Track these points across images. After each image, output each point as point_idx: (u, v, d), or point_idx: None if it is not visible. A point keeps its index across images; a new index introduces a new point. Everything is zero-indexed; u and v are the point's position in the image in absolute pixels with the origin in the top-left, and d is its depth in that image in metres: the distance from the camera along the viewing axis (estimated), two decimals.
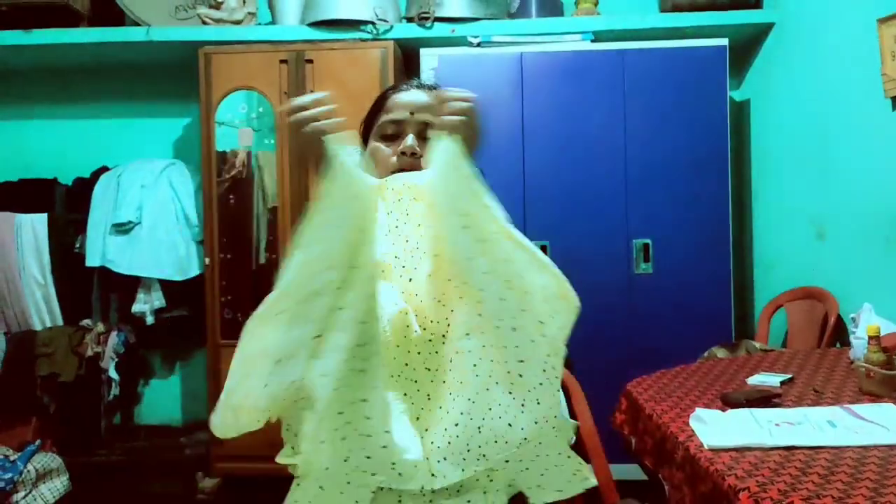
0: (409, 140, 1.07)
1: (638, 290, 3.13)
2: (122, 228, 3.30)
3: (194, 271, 3.37)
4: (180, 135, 3.77)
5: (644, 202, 3.14)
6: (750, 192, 3.49)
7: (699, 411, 1.61)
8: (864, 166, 2.62)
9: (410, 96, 1.12)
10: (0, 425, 3.33)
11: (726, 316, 3.14)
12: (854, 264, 2.71)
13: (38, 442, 3.25)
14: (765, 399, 1.71)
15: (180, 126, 3.77)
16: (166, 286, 3.38)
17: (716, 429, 1.48)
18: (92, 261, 3.33)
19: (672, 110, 3.15)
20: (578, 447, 1.21)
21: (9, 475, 3.05)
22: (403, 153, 1.06)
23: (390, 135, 1.10)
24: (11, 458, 3.13)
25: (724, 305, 3.14)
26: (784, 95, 3.18)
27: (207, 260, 3.22)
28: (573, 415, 1.65)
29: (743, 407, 1.66)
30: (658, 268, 3.13)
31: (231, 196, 3.23)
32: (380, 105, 1.14)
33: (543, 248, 2.29)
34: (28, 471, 3.08)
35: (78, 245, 3.44)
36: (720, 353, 2.75)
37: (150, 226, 3.32)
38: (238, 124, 3.23)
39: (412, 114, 1.09)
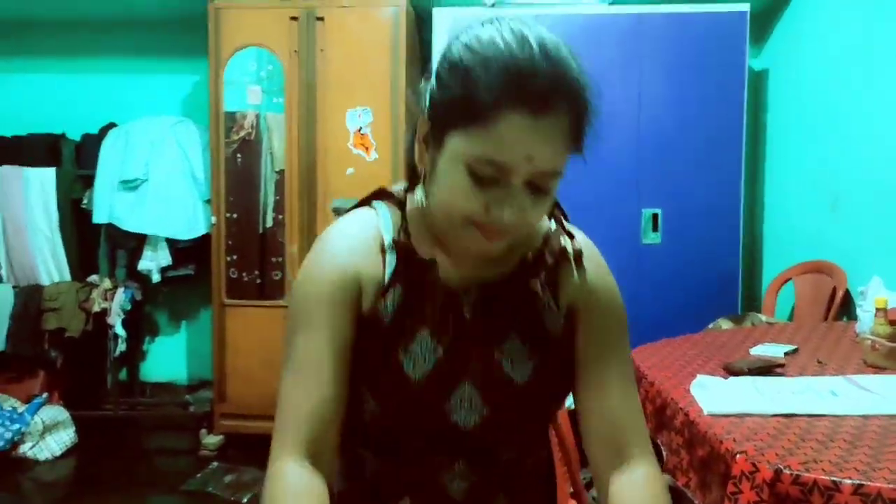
0: (508, 214, 0.70)
1: (645, 261, 3.11)
2: (130, 185, 3.30)
3: (201, 230, 3.36)
4: (189, 92, 3.74)
5: (656, 171, 3.09)
6: (764, 162, 3.43)
7: (700, 378, 1.60)
8: (883, 136, 2.56)
9: (536, 131, 0.67)
10: (8, 378, 3.38)
11: (734, 288, 3.11)
12: (865, 237, 2.66)
13: (45, 395, 3.30)
14: (767, 368, 1.70)
15: (189, 83, 3.74)
16: (173, 244, 3.38)
17: (716, 395, 1.47)
18: (99, 217, 3.33)
19: (689, 77, 3.08)
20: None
21: (16, 426, 3.11)
22: (494, 223, 0.71)
23: (486, 177, 0.69)
24: (19, 410, 3.18)
25: (733, 278, 3.11)
26: (804, 64, 3.10)
27: (214, 219, 3.21)
28: None
29: (745, 375, 1.64)
30: (666, 238, 3.10)
31: (239, 156, 3.20)
32: (481, 109, 0.67)
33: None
34: (35, 422, 3.14)
35: (86, 201, 3.44)
36: (725, 324, 2.73)
37: (158, 183, 3.31)
38: (247, 82, 3.19)
39: (530, 159, 0.68)
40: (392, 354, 0.78)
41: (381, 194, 0.86)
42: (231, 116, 3.18)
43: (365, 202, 0.87)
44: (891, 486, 1.01)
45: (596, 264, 0.87)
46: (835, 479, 1.04)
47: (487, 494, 0.82)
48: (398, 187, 0.87)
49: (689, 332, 2.23)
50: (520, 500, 0.84)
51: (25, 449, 3.11)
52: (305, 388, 0.76)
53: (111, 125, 3.49)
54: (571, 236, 0.87)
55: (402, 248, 0.80)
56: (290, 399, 0.77)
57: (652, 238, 3.10)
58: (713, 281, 3.09)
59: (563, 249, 0.85)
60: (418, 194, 0.78)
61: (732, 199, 3.10)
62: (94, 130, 3.51)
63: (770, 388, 1.51)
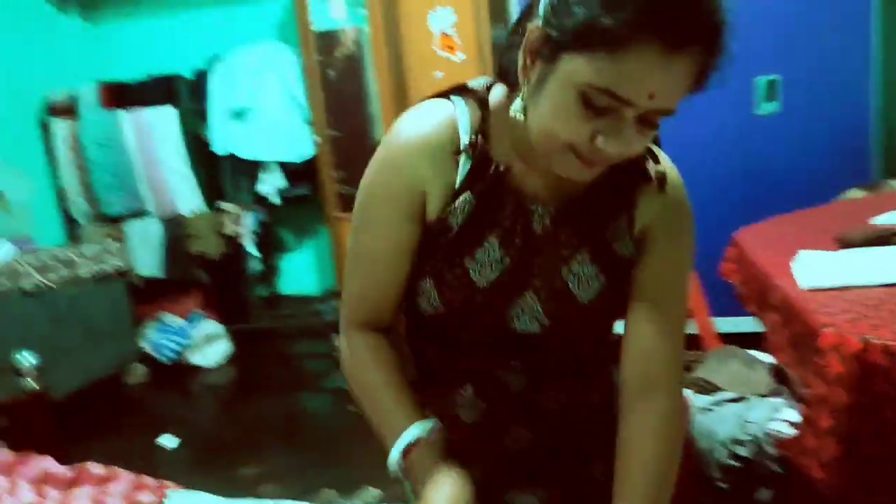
0: (613, 146, 0.67)
1: (759, 133, 2.87)
2: (239, 115, 3.49)
3: (309, 152, 3.52)
4: (281, 15, 3.81)
5: (771, 30, 2.78)
6: None
7: (802, 254, 1.52)
8: None
9: (666, 69, 0.62)
10: (168, 299, 3.83)
11: (865, 155, 2.82)
12: None
13: (201, 312, 3.73)
14: (886, 238, 1.57)
15: (280, 4, 3.79)
16: (286, 167, 3.58)
17: (817, 270, 1.40)
18: (218, 148, 3.58)
19: None
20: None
21: (182, 339, 3.56)
22: (595, 153, 0.68)
23: (598, 106, 0.65)
24: (183, 326, 3.63)
25: (862, 144, 2.81)
26: None
27: (318, 138, 3.34)
28: None
29: (857, 247, 1.54)
30: (787, 107, 2.83)
31: (332, 73, 3.25)
32: (612, 35, 0.61)
33: None
34: (198, 335, 3.57)
35: (207, 134, 3.69)
36: (856, 195, 2.51)
37: (263, 110, 3.48)
38: None
39: (651, 97, 0.63)
40: (459, 259, 0.78)
41: (461, 89, 0.81)
42: (328, 35, 3.18)
43: (443, 95, 0.82)
44: None
45: (678, 192, 0.82)
46: None
47: (544, 388, 0.85)
48: (479, 82, 0.82)
49: (810, 208, 2.10)
50: (577, 395, 0.87)
51: (193, 358, 3.57)
52: (361, 276, 0.85)
53: (215, 58, 3.66)
54: (657, 160, 0.81)
55: (478, 152, 0.77)
56: (349, 287, 0.87)
57: (766, 108, 2.85)
58: (840, 150, 2.81)
59: (647, 171, 0.80)
60: (516, 104, 0.72)
61: (864, 55, 2.74)
62: (202, 66, 3.70)
63: (882, 258, 1.41)
